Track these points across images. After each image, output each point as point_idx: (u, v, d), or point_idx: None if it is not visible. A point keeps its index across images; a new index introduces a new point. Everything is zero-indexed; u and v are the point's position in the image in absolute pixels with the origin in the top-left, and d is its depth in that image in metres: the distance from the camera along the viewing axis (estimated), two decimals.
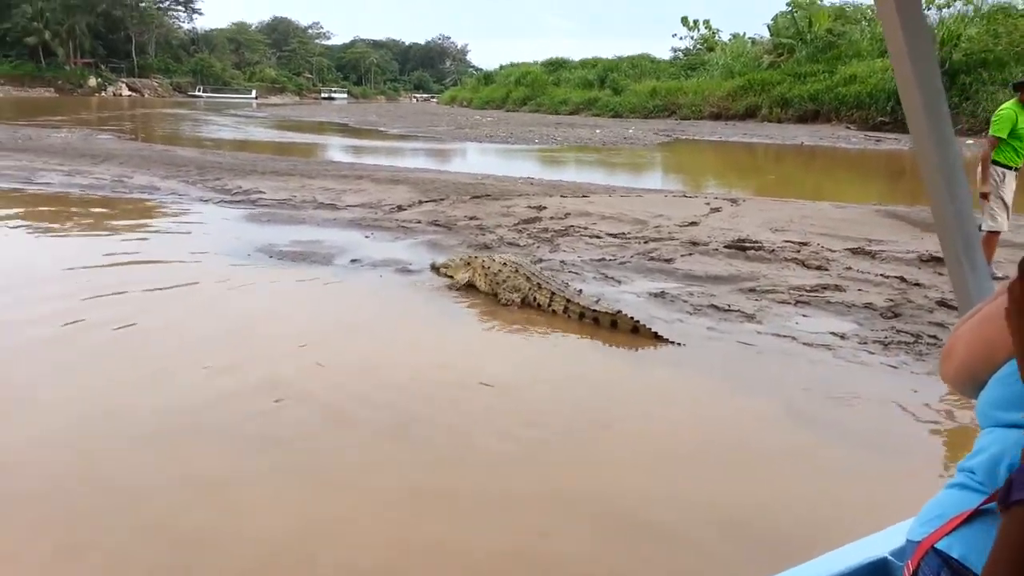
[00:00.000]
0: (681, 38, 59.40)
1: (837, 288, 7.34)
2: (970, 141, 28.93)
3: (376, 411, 4.52)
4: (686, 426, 4.55)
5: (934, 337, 5.94)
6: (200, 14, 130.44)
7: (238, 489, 3.64)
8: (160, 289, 6.95)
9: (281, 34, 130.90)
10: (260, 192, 12.92)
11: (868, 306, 6.77)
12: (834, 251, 8.81)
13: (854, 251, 8.80)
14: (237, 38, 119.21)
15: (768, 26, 49.58)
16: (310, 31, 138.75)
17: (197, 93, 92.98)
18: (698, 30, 57.37)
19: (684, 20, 57.19)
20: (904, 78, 2.07)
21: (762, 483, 3.87)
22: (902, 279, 7.58)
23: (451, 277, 7.40)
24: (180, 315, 6.30)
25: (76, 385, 4.83)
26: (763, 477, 3.94)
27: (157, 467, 3.81)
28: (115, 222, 10.38)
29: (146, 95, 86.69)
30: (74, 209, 11.28)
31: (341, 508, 3.49)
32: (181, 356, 5.35)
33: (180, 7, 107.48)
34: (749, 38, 52.82)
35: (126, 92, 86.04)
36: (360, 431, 4.28)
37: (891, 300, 6.91)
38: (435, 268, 7.74)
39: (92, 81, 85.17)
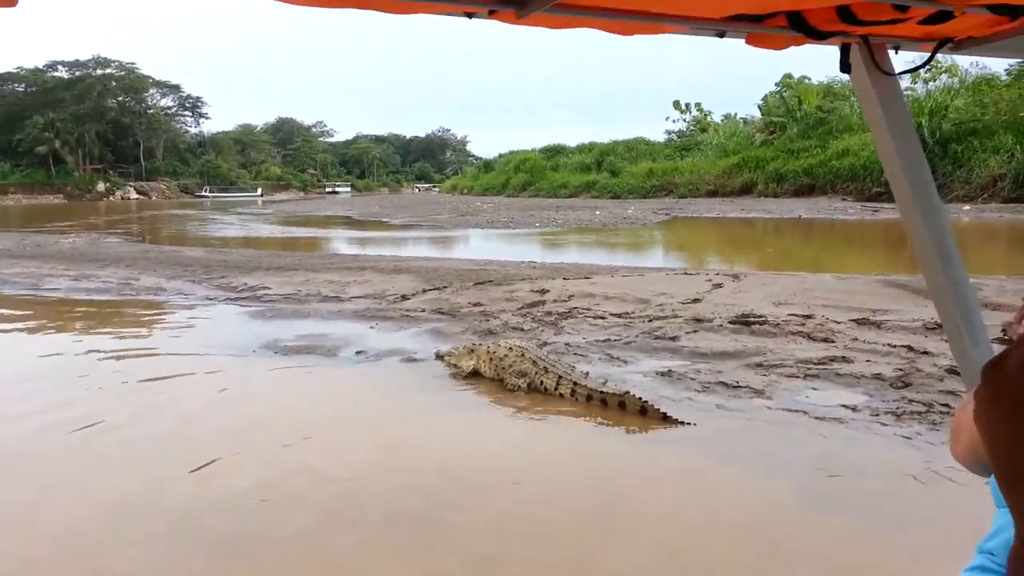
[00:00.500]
0: (674, 121, 60.99)
1: (845, 360, 7.28)
2: (967, 207, 29.28)
3: (379, 509, 4.43)
4: (698, 520, 4.35)
5: (946, 405, 5.86)
6: (207, 118, 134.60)
7: None
8: (163, 387, 6.93)
9: (286, 133, 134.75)
10: (265, 288, 13.03)
11: (877, 377, 6.70)
12: (839, 323, 8.79)
13: (859, 322, 8.78)
14: (243, 139, 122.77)
15: (759, 106, 50.96)
16: (314, 129, 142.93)
17: (203, 193, 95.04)
18: (690, 112, 58.92)
19: (676, 104, 58.83)
20: (888, 156, 2.12)
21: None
22: (909, 348, 7.53)
23: (456, 365, 7.38)
24: (183, 413, 6.25)
25: (78, 487, 4.76)
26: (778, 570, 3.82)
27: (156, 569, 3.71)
28: (121, 325, 10.45)
29: (153, 197, 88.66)
30: (79, 312, 11.36)
31: None
32: (182, 455, 5.28)
33: (187, 112, 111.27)
34: (741, 118, 54.17)
35: (134, 195, 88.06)
36: (364, 531, 4.19)
37: (900, 370, 6.85)
38: (440, 356, 7.75)
39: (101, 186, 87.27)
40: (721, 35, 1.94)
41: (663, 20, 1.84)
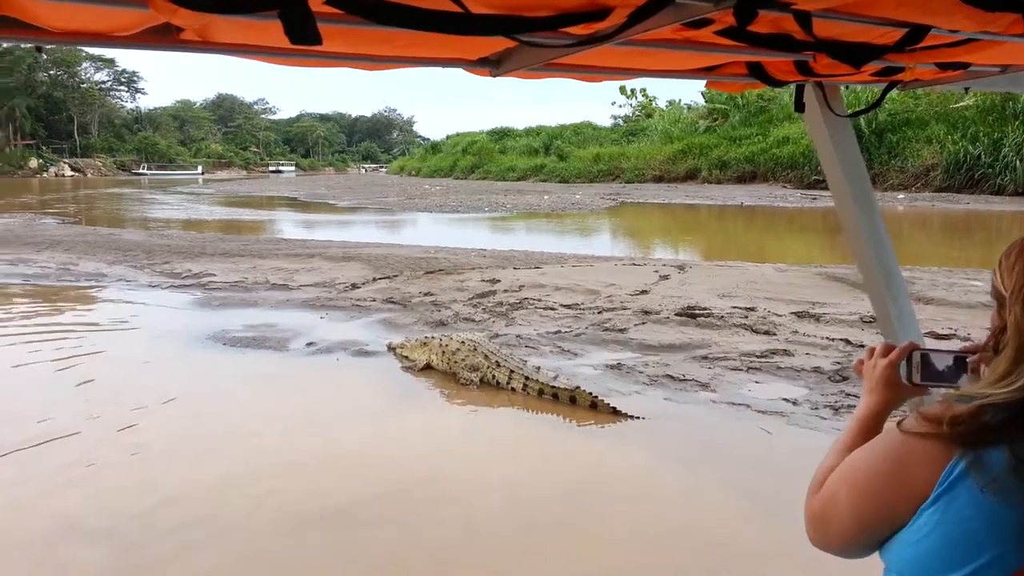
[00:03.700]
0: (620, 106, 61.49)
1: (786, 353, 7.56)
2: (901, 195, 30.32)
3: (329, 505, 4.49)
4: (645, 517, 4.50)
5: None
6: (144, 93, 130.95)
7: None
8: (108, 382, 6.82)
9: (227, 110, 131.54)
10: (211, 275, 12.83)
11: (816, 370, 6.99)
12: (780, 315, 9.10)
13: (799, 315, 9.10)
14: (182, 115, 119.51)
15: (702, 93, 51.57)
16: (256, 107, 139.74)
17: (141, 171, 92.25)
18: (636, 98, 59.43)
19: (622, 89, 59.16)
20: (838, 191, 2.25)
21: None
22: (847, 341, 7.86)
23: (407, 358, 7.44)
24: (128, 410, 6.16)
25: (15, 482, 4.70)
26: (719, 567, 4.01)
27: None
28: (62, 312, 10.19)
29: (89, 175, 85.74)
30: (18, 300, 11.04)
31: None
32: (129, 454, 5.24)
33: (123, 87, 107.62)
34: (685, 104, 54.88)
35: (69, 173, 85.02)
36: (317, 529, 4.24)
37: (838, 363, 7.15)
38: (392, 349, 7.80)
39: (33, 163, 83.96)
40: (683, 79, 2.06)
41: (629, 73, 1.96)
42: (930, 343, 1.46)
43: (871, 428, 1.37)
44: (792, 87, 2.21)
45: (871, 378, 1.42)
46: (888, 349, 1.43)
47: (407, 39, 1.46)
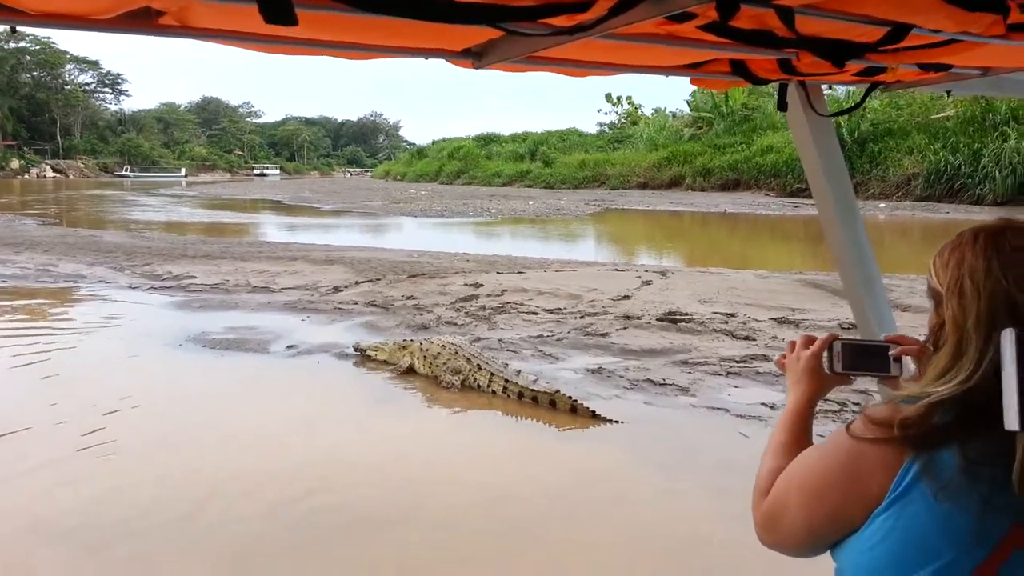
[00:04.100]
0: (606, 113, 61.66)
1: (765, 358, 7.61)
2: (882, 204, 30.60)
3: (303, 508, 4.47)
4: (622, 520, 4.48)
5: (857, 404, 6.20)
6: (127, 95, 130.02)
7: None
8: (85, 383, 6.76)
9: (211, 113, 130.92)
10: (191, 277, 12.75)
11: None
12: (760, 321, 9.16)
13: (779, 320, 9.16)
14: (165, 118, 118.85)
15: (687, 101, 51.90)
16: (240, 110, 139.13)
17: (124, 173, 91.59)
18: (622, 105, 59.61)
19: (608, 96, 59.44)
20: (819, 191, 2.26)
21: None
22: None
23: (380, 361, 7.41)
24: (99, 413, 6.08)
25: None
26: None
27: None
28: (40, 314, 10.09)
29: (71, 176, 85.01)
30: None
31: None
32: (105, 457, 5.20)
33: (107, 89, 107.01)
34: (670, 112, 55.14)
35: (50, 174, 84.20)
36: (288, 531, 4.22)
37: None
38: (361, 351, 7.73)
39: (15, 163, 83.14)
40: (667, 75, 2.06)
41: (613, 68, 1.96)
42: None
43: (800, 422, 1.38)
44: (776, 88, 2.22)
45: (795, 370, 1.44)
46: (809, 340, 1.45)
47: (389, 27, 1.45)
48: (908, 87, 2.27)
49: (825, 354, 1.41)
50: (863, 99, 2.29)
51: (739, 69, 1.94)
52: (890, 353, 1.37)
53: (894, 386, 1.35)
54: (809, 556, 1.26)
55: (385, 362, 7.43)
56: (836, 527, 1.17)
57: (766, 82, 2.03)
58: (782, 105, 2.24)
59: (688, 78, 2.10)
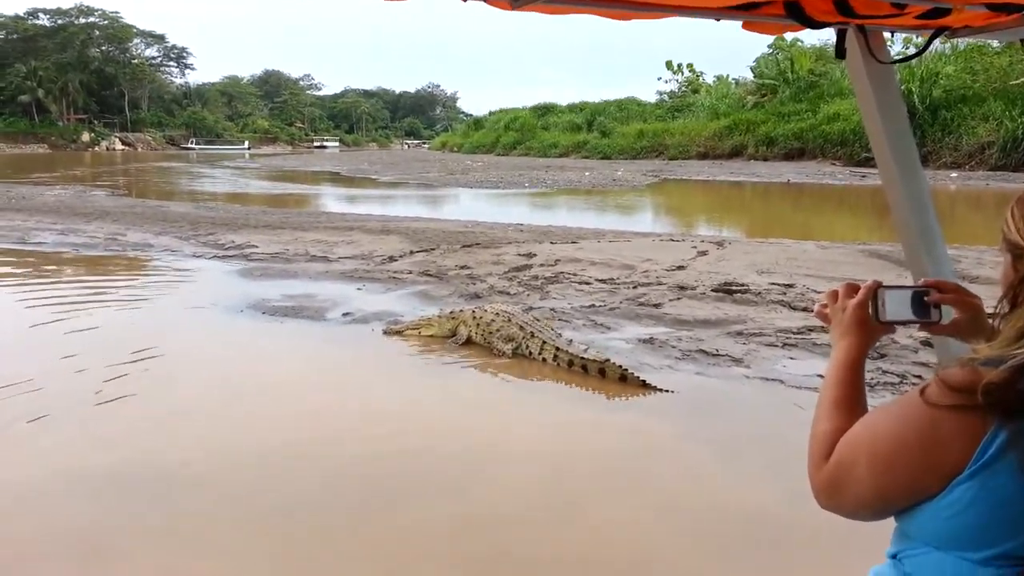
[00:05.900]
0: (666, 81, 60.46)
1: (823, 330, 7.42)
2: (954, 174, 29.42)
3: (363, 475, 4.57)
4: (673, 490, 4.48)
5: (919, 377, 6.03)
6: (192, 69, 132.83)
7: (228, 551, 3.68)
8: (152, 347, 7.00)
9: (273, 86, 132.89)
10: (253, 246, 13.04)
11: None
12: (819, 292, 8.89)
13: None
14: (229, 91, 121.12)
15: (751, 68, 50.62)
16: (301, 82, 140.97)
17: (190, 146, 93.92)
18: (682, 73, 58.44)
19: (668, 64, 58.27)
20: (877, 140, 2.14)
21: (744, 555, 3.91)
22: None
23: (427, 337, 7.34)
24: (169, 375, 6.33)
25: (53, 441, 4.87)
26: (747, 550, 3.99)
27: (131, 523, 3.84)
28: (110, 281, 10.47)
29: (139, 149, 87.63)
30: (68, 268, 11.38)
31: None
32: (169, 418, 5.39)
33: (172, 63, 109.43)
34: (733, 79, 53.81)
35: (119, 146, 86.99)
36: (353, 496, 4.32)
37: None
38: (396, 333, 7.50)
39: (86, 136, 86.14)
40: (718, 19, 1.98)
41: (659, 9, 1.87)
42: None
43: (854, 376, 1.32)
44: (834, 35, 2.09)
45: (842, 322, 1.37)
46: (853, 289, 1.38)
47: None
48: (976, 34, 2.07)
49: (870, 304, 1.35)
50: (926, 45, 2.15)
51: (794, 11, 1.82)
52: (926, 299, 1.31)
53: (936, 332, 1.29)
54: (872, 520, 1.22)
55: (432, 336, 7.39)
56: (909, 495, 1.12)
57: (822, 25, 1.91)
58: (840, 52, 2.10)
59: (740, 22, 1.99)
